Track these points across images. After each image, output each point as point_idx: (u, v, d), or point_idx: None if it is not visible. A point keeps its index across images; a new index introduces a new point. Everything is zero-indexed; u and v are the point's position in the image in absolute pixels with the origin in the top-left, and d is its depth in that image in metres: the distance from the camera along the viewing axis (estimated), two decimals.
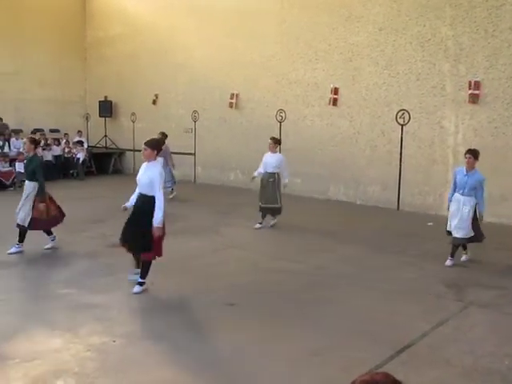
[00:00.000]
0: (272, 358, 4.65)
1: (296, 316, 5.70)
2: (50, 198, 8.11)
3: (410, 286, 6.71)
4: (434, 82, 11.36)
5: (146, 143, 6.34)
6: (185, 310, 5.85)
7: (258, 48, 14.48)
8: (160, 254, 6.39)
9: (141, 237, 6.14)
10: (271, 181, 9.87)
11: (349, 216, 11.45)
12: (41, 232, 8.17)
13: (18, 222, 7.90)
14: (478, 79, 10.71)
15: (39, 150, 16.32)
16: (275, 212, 10.05)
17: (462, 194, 7.59)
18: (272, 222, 10.08)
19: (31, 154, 8.14)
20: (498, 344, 4.98)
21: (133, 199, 6.44)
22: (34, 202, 7.83)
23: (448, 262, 7.70)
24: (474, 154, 7.60)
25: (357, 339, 5.04)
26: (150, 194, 6.16)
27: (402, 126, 11.91)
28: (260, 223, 10.01)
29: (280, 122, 14.17)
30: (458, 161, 10.83)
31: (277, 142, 10.08)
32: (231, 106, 15.32)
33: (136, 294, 6.26)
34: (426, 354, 4.75)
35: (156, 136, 12.48)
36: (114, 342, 4.93)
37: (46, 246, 8.22)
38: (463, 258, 7.83)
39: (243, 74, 14.93)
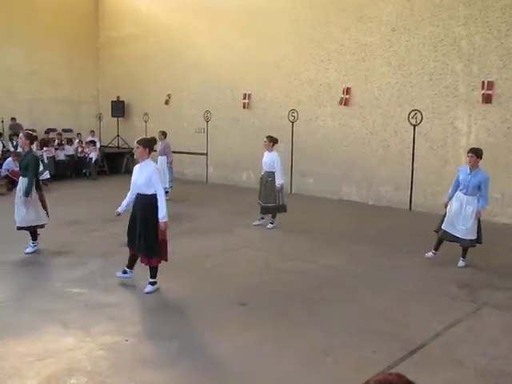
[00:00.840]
0: (283, 358, 4.65)
1: (307, 316, 5.70)
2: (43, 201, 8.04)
3: (423, 287, 6.68)
4: (447, 83, 11.31)
5: (138, 141, 6.36)
6: (197, 310, 5.86)
7: (270, 48, 14.48)
8: (165, 259, 6.43)
9: (146, 239, 6.18)
10: (270, 180, 9.82)
11: (361, 216, 11.41)
12: (53, 231, 8.20)
13: (33, 223, 7.88)
14: (491, 79, 10.65)
15: (52, 150, 16.57)
16: (274, 211, 9.98)
17: (466, 194, 7.49)
18: (269, 226, 10.00)
19: (26, 149, 7.98)
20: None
21: (125, 203, 6.45)
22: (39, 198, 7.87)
23: (430, 255, 7.85)
24: (476, 152, 7.50)
25: (368, 339, 5.03)
26: (150, 192, 6.19)
27: (415, 126, 11.86)
28: (260, 219, 10.14)
29: (292, 123, 14.17)
30: None
31: (271, 140, 9.91)
32: (244, 106, 15.34)
33: (148, 293, 6.29)
34: (438, 354, 4.74)
35: (158, 135, 12.68)
36: (127, 341, 4.96)
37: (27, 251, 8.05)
38: (460, 263, 7.62)
39: (256, 74, 14.94)
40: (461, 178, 7.60)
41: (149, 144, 6.41)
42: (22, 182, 7.82)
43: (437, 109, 11.51)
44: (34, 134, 8.42)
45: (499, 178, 10.59)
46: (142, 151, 6.30)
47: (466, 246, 7.60)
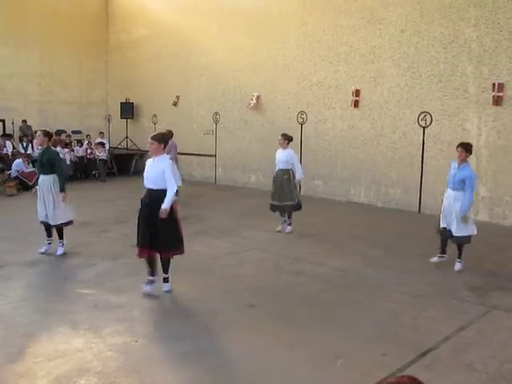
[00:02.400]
0: (293, 361, 4.64)
1: (317, 318, 5.68)
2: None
3: (433, 290, 6.65)
4: (457, 84, 11.26)
5: (152, 137, 6.25)
6: (206, 311, 5.86)
7: (279, 50, 14.48)
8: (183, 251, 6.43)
9: (169, 234, 6.15)
10: (286, 177, 9.61)
11: (370, 218, 11.37)
12: (63, 232, 8.21)
13: (59, 222, 7.90)
14: (501, 81, 10.59)
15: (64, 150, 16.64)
16: (293, 209, 9.77)
17: (453, 189, 7.38)
18: (289, 229, 9.78)
19: (44, 146, 7.95)
20: None
21: None
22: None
23: (435, 259, 7.66)
24: (465, 147, 7.41)
25: (379, 342, 5.01)
26: (162, 187, 6.13)
27: (424, 128, 11.82)
28: (282, 222, 9.86)
29: (301, 124, 14.16)
30: (481, 163, 10.73)
31: (286, 138, 9.75)
32: (252, 107, 15.33)
33: (168, 291, 6.30)
34: (449, 358, 4.71)
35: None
36: (136, 342, 4.97)
37: (58, 253, 8.05)
38: (457, 266, 7.48)
39: (265, 75, 14.95)
40: (449, 173, 7.52)
41: (163, 139, 6.33)
42: (44, 179, 7.81)
43: (446, 111, 11.46)
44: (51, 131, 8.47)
45: (509, 181, 10.55)
46: (156, 147, 6.20)
47: (461, 243, 7.45)
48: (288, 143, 9.77)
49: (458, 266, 7.50)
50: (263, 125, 15.14)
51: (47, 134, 7.99)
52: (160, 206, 6.07)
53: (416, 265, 7.76)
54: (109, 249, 8.42)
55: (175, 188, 6.22)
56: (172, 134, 13.04)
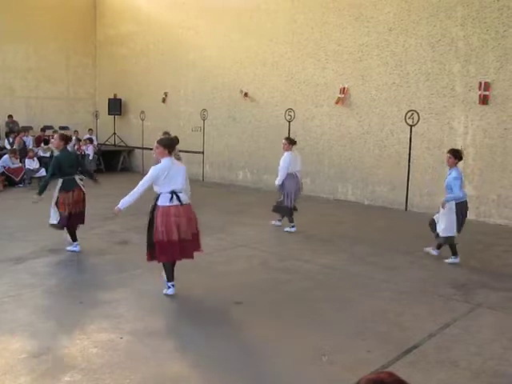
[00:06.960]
0: (278, 357, 4.65)
1: (302, 315, 5.69)
2: (73, 197, 7.93)
3: (418, 287, 6.68)
4: (444, 83, 11.31)
5: (158, 141, 6.14)
6: (192, 308, 5.86)
7: (267, 47, 14.48)
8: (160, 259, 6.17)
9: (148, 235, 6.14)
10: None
11: (357, 216, 11.42)
12: (49, 228, 8.15)
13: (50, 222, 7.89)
14: (488, 80, 10.66)
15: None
16: (273, 209, 9.97)
17: (447, 193, 7.66)
18: (274, 222, 10.08)
19: (60, 149, 7.92)
20: (506, 346, 4.96)
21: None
22: (57, 199, 7.77)
23: (429, 249, 8.07)
24: (453, 153, 7.68)
25: (363, 339, 5.03)
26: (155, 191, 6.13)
27: (411, 126, 11.87)
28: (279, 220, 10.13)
29: (289, 122, 14.16)
30: (467, 162, 10.79)
31: (290, 142, 9.74)
32: (240, 105, 15.31)
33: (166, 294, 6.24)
34: (433, 355, 4.74)
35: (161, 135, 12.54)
36: (121, 338, 4.95)
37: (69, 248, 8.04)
38: (450, 259, 7.73)
39: (253, 72, 14.94)
40: None
41: (169, 144, 6.16)
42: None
43: (433, 109, 11.52)
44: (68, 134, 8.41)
45: (495, 180, 10.63)
46: (161, 151, 6.06)
47: (440, 242, 7.82)
48: (292, 146, 9.73)
49: (450, 259, 7.74)
50: (251, 122, 15.14)
51: (63, 139, 7.99)
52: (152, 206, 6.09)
53: (402, 262, 7.80)
54: (95, 245, 8.38)
55: (137, 193, 6.05)
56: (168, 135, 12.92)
